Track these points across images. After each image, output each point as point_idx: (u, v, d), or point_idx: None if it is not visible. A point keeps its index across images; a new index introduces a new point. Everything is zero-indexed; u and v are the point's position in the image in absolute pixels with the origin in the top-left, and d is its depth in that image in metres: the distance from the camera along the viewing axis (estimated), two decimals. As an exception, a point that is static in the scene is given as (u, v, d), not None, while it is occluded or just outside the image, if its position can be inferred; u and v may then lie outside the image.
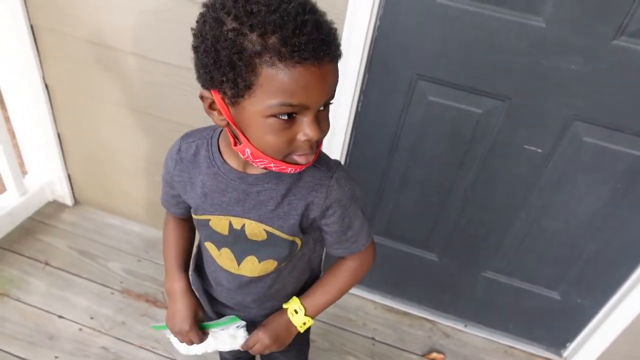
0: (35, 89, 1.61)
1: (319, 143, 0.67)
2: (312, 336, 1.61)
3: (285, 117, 0.60)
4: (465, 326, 1.73)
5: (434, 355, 1.62)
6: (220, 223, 0.78)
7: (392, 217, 1.56)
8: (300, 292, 0.90)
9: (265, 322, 0.87)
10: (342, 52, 0.62)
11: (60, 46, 1.51)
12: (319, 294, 0.87)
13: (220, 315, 0.96)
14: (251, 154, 0.65)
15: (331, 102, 0.64)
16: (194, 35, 0.61)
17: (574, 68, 1.13)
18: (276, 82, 0.57)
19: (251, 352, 0.88)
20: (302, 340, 1.10)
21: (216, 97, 0.62)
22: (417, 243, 1.61)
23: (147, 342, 1.51)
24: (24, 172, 1.87)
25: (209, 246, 0.85)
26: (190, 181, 0.79)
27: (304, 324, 0.86)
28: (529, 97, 1.21)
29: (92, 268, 1.71)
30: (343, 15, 1.17)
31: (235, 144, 0.67)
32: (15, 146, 1.77)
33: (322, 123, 0.63)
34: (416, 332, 1.70)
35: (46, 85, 1.62)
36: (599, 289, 1.48)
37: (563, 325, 1.62)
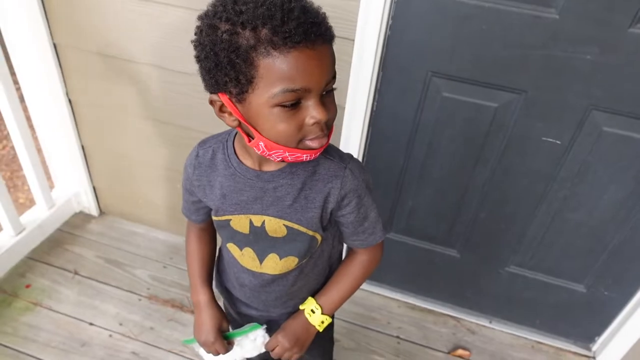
0: (59, 105, 1.67)
1: (329, 127, 0.68)
2: (337, 336, 1.62)
3: (290, 105, 0.62)
4: (491, 322, 1.72)
5: (460, 352, 1.61)
6: (240, 222, 0.80)
7: (412, 214, 1.57)
8: (318, 290, 0.91)
9: (283, 326, 0.89)
10: (335, 33, 0.64)
11: (81, 62, 1.56)
12: (334, 292, 0.88)
13: (242, 316, 0.98)
14: (265, 146, 0.67)
15: (334, 87, 0.66)
16: (194, 46, 0.65)
17: (590, 58, 1.12)
18: (275, 70, 0.59)
19: (273, 355, 0.89)
20: (325, 338, 1.11)
21: (224, 98, 0.65)
22: (438, 240, 1.61)
23: (175, 347, 1.54)
24: (51, 186, 1.93)
25: (231, 247, 0.87)
26: (209, 184, 0.81)
27: (322, 322, 0.88)
28: (546, 89, 1.20)
29: (120, 276, 1.76)
30: (355, 15, 1.18)
31: (249, 141, 0.69)
32: (42, 161, 1.83)
33: (328, 106, 0.65)
34: (440, 330, 1.70)
35: (69, 100, 1.68)
36: (626, 281, 1.46)
37: (591, 319, 1.60)
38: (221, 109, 0.67)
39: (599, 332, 1.61)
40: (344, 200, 0.77)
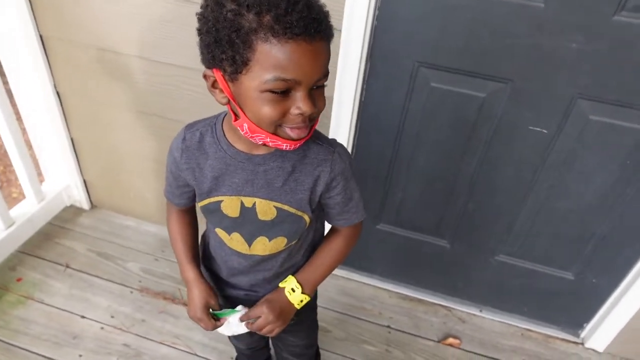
0: (47, 98, 1.66)
1: (312, 120, 0.70)
2: (328, 326, 1.64)
3: (280, 92, 0.64)
4: (481, 311, 1.74)
5: (450, 340, 1.63)
6: (232, 204, 0.81)
7: (401, 205, 1.57)
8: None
9: (266, 298, 0.89)
10: (334, 32, 0.66)
11: (69, 54, 1.55)
12: (314, 270, 0.91)
13: (228, 299, 1.00)
14: (248, 128, 0.70)
15: (325, 83, 0.67)
16: (198, 19, 0.66)
17: (576, 46, 1.13)
18: (270, 57, 0.61)
19: (255, 327, 0.89)
20: (310, 319, 1.13)
21: (217, 75, 0.67)
22: (428, 230, 1.62)
23: (167, 338, 1.55)
24: (41, 180, 1.92)
25: (220, 232, 0.88)
26: (198, 167, 0.82)
27: (301, 301, 0.90)
28: (532, 78, 1.21)
29: (111, 269, 1.76)
30: (342, 4, 1.18)
31: (235, 120, 0.72)
32: (32, 155, 1.82)
33: (316, 100, 0.67)
34: (431, 319, 1.71)
35: (57, 93, 1.67)
36: (613, 268, 1.48)
37: (579, 306, 1.61)
38: (213, 85, 0.69)
39: (588, 319, 1.63)
40: (333, 183, 0.80)
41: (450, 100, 1.30)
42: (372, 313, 1.71)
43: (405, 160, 1.46)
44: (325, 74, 0.66)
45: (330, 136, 1.41)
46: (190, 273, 0.93)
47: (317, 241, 0.96)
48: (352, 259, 1.78)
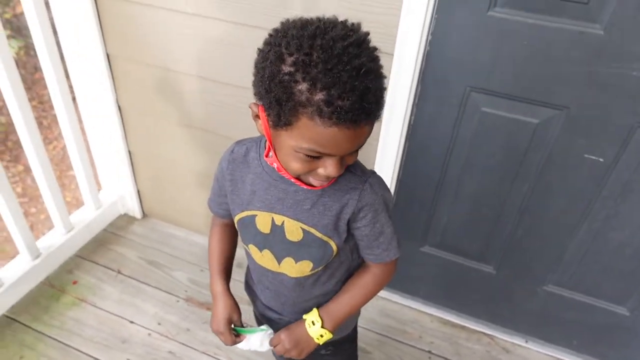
0: (109, 111, 1.77)
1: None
2: (368, 347, 1.63)
3: (312, 156, 0.67)
4: (526, 341, 1.68)
5: (493, 370, 1.58)
6: (264, 220, 0.84)
7: (447, 229, 1.56)
8: None
9: (288, 327, 0.91)
10: (382, 114, 0.67)
11: (131, 71, 1.65)
12: (338, 305, 0.89)
13: (264, 318, 1.02)
14: (277, 167, 0.76)
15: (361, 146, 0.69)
16: (258, 53, 0.67)
17: (637, 75, 1.10)
18: (311, 132, 0.62)
19: (275, 352, 0.92)
20: (346, 352, 1.11)
21: (261, 113, 0.69)
22: (473, 255, 1.59)
23: (209, 349, 1.59)
24: (99, 188, 2.03)
25: (252, 249, 0.90)
26: (241, 179, 0.85)
27: (321, 336, 0.88)
28: (589, 105, 1.18)
29: (159, 277, 1.83)
30: (395, 30, 1.20)
31: (267, 155, 0.77)
32: (91, 164, 1.93)
33: (347, 159, 0.70)
34: (473, 346, 1.67)
35: (119, 107, 1.77)
36: (673, 305, 1.40)
37: (633, 343, 1.53)
38: (257, 116, 0.71)
39: (643, 358, 1.54)
40: (360, 213, 0.79)
41: (502, 125, 1.29)
42: (412, 336, 1.69)
43: (452, 183, 1.45)
44: (363, 143, 0.68)
45: (378, 158, 1.43)
46: (218, 286, 0.95)
47: (353, 273, 0.95)
48: (395, 281, 1.75)
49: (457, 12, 1.17)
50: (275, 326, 0.97)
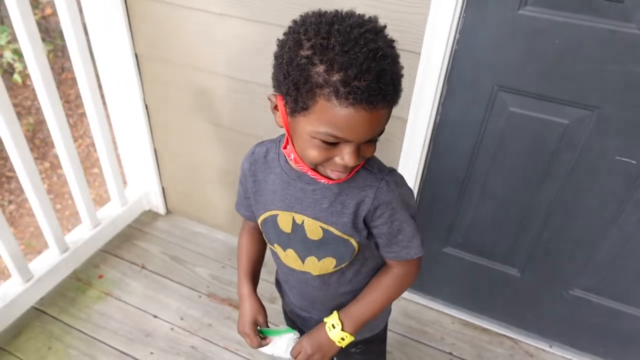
0: (136, 109, 1.80)
1: (356, 166, 0.71)
2: (389, 348, 1.60)
3: (329, 143, 0.66)
4: (551, 347, 1.65)
5: (517, 375, 1.56)
6: (285, 219, 0.84)
7: (471, 229, 1.54)
8: None
9: (309, 333, 0.91)
10: (399, 100, 0.66)
11: (158, 70, 1.68)
12: (358, 306, 0.88)
13: (295, 316, 1.02)
14: (294, 158, 0.74)
15: (378, 137, 0.68)
16: (277, 45, 0.68)
17: (673, 74, 1.07)
18: (328, 114, 0.62)
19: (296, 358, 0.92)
20: (375, 352, 1.11)
21: (279, 103, 0.69)
22: (498, 257, 1.57)
23: (231, 344, 1.61)
24: (125, 185, 2.07)
25: (277, 249, 0.90)
26: (264, 179, 0.86)
27: (342, 339, 0.88)
28: (622, 106, 1.15)
29: (182, 272, 1.86)
30: (422, 28, 1.19)
31: (286, 146, 0.75)
32: (118, 161, 1.97)
33: (365, 150, 0.69)
34: (496, 350, 1.65)
35: (146, 106, 1.80)
36: None
37: (664, 351, 1.49)
38: (275, 107, 0.72)
39: (674, 367, 1.50)
40: (377, 212, 0.78)
41: (530, 125, 1.27)
42: (434, 338, 1.67)
43: (478, 183, 1.43)
44: (381, 133, 0.67)
45: (402, 157, 1.43)
46: (245, 288, 0.95)
47: (380, 268, 0.94)
48: (416, 281, 1.73)
49: (486, 11, 1.15)
50: (305, 324, 0.97)
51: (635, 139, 1.18)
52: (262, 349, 0.95)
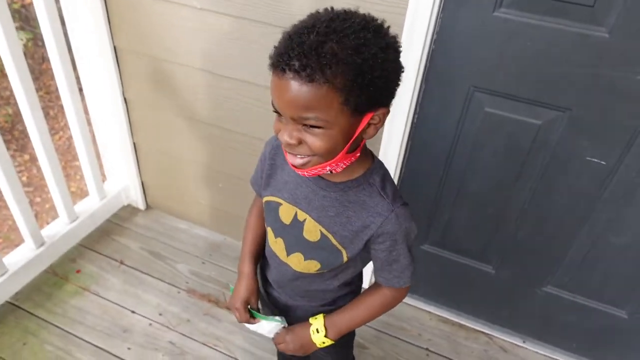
0: (115, 104, 1.78)
1: (307, 157, 0.71)
2: (366, 343, 1.64)
3: (278, 114, 0.70)
4: (524, 342, 1.69)
5: (490, 369, 1.59)
6: (288, 211, 0.86)
7: (448, 227, 1.56)
8: (337, 301, 0.96)
9: (292, 328, 0.95)
10: (327, 79, 0.61)
11: (138, 64, 1.66)
12: (344, 318, 0.91)
13: (268, 295, 1.05)
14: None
15: (318, 124, 0.65)
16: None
17: (641, 78, 1.09)
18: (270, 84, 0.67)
19: (278, 348, 0.96)
20: (339, 354, 1.13)
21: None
22: (473, 254, 1.60)
23: (209, 340, 1.61)
24: (103, 179, 2.05)
25: (269, 232, 0.92)
26: (281, 166, 0.88)
27: (323, 343, 0.91)
28: (592, 108, 1.18)
29: (162, 268, 1.85)
30: (401, 27, 1.20)
31: None
32: (97, 155, 1.95)
33: (305, 136, 0.68)
34: (472, 345, 1.68)
35: (125, 99, 1.79)
36: (672, 310, 1.40)
37: (631, 346, 1.53)
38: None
39: (640, 362, 1.54)
40: (379, 238, 0.80)
41: (505, 126, 1.29)
42: (411, 334, 1.70)
43: (455, 183, 1.45)
44: (312, 116, 0.64)
45: (380, 156, 1.44)
46: (246, 267, 0.98)
47: (355, 277, 0.97)
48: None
49: (462, 12, 1.17)
50: (273, 301, 1.01)
51: (604, 140, 1.21)
52: (247, 325, 0.98)
